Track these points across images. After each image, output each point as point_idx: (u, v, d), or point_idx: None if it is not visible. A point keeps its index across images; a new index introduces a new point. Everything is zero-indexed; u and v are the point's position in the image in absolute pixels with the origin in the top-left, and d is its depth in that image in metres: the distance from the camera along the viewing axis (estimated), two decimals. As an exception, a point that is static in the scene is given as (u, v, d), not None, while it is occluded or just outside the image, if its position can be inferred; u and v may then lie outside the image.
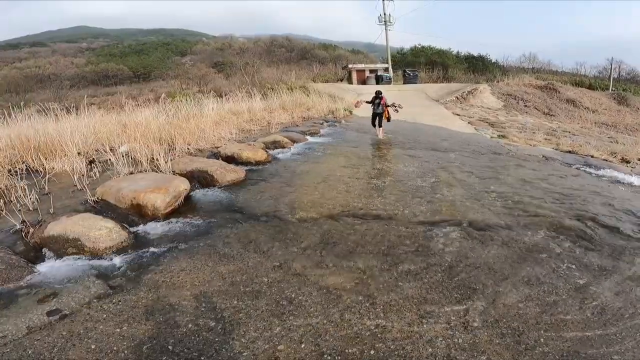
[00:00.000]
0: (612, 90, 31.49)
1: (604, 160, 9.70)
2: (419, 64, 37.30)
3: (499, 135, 12.51)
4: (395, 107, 10.04)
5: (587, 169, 8.21)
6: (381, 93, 10.04)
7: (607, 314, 2.97)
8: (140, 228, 4.28)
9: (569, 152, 10.34)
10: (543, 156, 9.19)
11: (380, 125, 10.12)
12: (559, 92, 25.77)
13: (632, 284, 3.39)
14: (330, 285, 3.24)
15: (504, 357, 2.50)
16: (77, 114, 9.46)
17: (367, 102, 10.25)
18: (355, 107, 14.45)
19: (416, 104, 19.91)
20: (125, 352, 2.50)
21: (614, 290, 3.28)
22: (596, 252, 3.95)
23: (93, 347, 2.54)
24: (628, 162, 9.92)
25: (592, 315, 2.94)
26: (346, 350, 2.54)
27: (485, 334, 2.70)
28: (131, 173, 5.71)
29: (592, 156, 9.96)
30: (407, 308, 2.97)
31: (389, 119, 10.28)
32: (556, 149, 10.67)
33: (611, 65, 38.54)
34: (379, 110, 9.97)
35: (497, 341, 2.64)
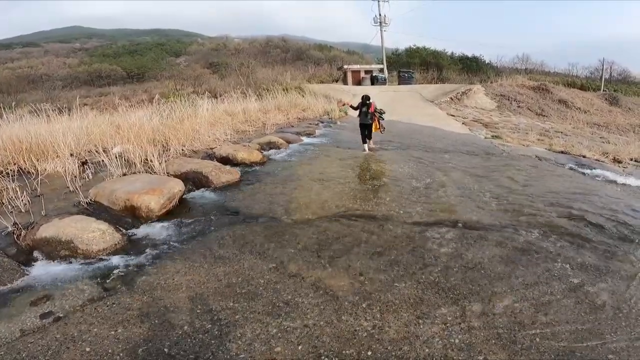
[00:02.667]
0: (603, 90, 31.86)
1: (596, 160, 9.80)
2: (414, 64, 37.47)
3: (492, 136, 12.60)
4: (381, 114, 8.42)
5: (580, 169, 8.29)
6: (369, 99, 8.19)
7: (602, 313, 2.99)
8: (134, 230, 4.25)
9: (562, 152, 10.44)
10: (536, 156, 9.27)
11: (369, 138, 8.46)
12: (551, 92, 26.02)
13: (625, 284, 3.43)
14: (327, 286, 3.23)
15: (500, 356, 2.51)
16: (69, 115, 9.37)
17: (354, 107, 8.51)
18: (338, 106, 14.04)
19: (411, 105, 20.00)
20: (121, 354, 2.47)
21: (608, 290, 3.31)
22: (590, 252, 3.99)
23: (87, 349, 2.51)
24: (620, 162, 10.03)
25: (586, 315, 2.96)
26: (343, 352, 2.53)
27: (482, 334, 2.71)
28: (125, 174, 5.67)
29: (584, 156, 10.07)
30: (403, 309, 2.97)
31: (381, 131, 8.54)
32: (549, 149, 10.77)
33: (602, 66, 39.00)
34: (368, 120, 8.19)
35: (494, 341, 2.65)
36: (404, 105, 19.31)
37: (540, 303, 3.08)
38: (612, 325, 2.86)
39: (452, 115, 17.61)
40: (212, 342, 2.60)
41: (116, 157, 6.01)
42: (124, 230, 4.17)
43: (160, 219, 4.51)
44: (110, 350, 2.50)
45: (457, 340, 2.64)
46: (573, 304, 3.09)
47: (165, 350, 2.52)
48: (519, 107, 22.76)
